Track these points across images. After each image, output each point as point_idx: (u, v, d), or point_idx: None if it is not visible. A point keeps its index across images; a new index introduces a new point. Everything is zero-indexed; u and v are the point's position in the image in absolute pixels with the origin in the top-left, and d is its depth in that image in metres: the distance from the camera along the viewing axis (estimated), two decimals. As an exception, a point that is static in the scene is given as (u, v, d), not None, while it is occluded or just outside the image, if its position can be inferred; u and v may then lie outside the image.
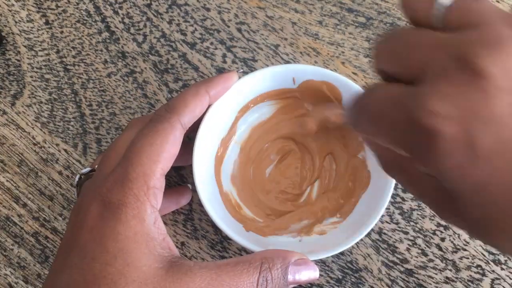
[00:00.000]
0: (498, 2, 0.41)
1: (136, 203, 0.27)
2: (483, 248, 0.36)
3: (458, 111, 0.18)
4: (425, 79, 0.19)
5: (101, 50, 0.42)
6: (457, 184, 0.19)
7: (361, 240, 0.32)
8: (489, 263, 0.36)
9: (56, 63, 0.42)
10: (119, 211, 0.27)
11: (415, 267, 0.36)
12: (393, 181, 0.33)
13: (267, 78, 0.36)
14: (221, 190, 0.36)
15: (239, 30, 0.42)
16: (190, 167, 0.38)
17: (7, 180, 0.40)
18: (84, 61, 0.42)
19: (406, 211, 0.37)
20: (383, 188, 0.33)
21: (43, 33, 0.43)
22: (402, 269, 0.36)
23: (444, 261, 0.36)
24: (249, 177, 0.38)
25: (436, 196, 0.21)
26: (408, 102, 0.19)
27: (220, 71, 0.41)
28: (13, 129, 0.41)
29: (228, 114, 0.36)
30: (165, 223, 0.29)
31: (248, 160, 0.38)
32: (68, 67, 0.42)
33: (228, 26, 0.42)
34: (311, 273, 0.28)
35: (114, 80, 0.41)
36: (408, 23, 0.22)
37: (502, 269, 0.35)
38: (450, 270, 0.36)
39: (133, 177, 0.27)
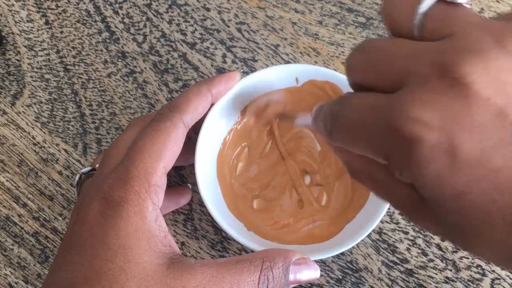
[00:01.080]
0: (498, 1, 0.41)
1: (137, 200, 0.27)
2: (483, 248, 0.36)
3: (440, 118, 0.17)
4: (406, 87, 0.19)
5: (101, 50, 0.42)
6: (435, 192, 0.18)
7: (361, 240, 0.32)
8: (489, 263, 0.36)
9: (56, 63, 0.42)
10: (121, 208, 0.27)
11: (415, 267, 0.36)
12: None
13: (270, 77, 0.36)
14: (223, 189, 0.36)
15: (239, 30, 0.42)
16: (190, 167, 0.38)
17: (7, 180, 0.40)
18: (84, 61, 0.42)
19: (406, 211, 0.37)
20: None
21: (43, 33, 0.43)
22: (402, 269, 0.36)
23: (444, 261, 0.36)
24: (251, 177, 0.38)
25: (410, 202, 0.21)
26: (388, 109, 0.19)
27: (220, 71, 0.41)
28: (13, 129, 0.41)
29: (231, 113, 0.36)
30: (165, 223, 0.29)
31: (252, 160, 0.38)
32: (68, 67, 0.42)
33: (228, 26, 0.42)
34: (312, 273, 0.28)
35: (114, 80, 0.41)
36: (390, 34, 0.22)
37: (502, 269, 0.35)
38: (450, 270, 0.36)
39: (134, 175, 0.27)
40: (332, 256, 0.36)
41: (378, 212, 0.32)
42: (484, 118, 0.17)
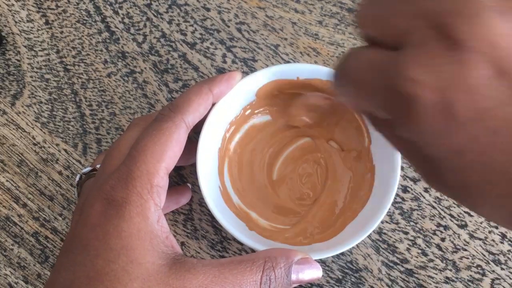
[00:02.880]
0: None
1: (139, 200, 0.27)
2: (483, 248, 0.36)
3: (436, 79, 0.18)
4: (406, 46, 0.19)
5: (101, 50, 0.42)
6: (436, 150, 0.19)
7: (361, 240, 0.32)
8: (489, 263, 0.36)
9: (56, 63, 0.42)
10: (123, 208, 0.27)
11: (415, 267, 0.36)
12: (396, 184, 0.32)
13: (271, 77, 0.36)
14: (225, 189, 0.36)
15: (239, 30, 0.42)
16: (190, 167, 0.38)
17: (7, 180, 0.40)
18: (84, 61, 0.42)
19: (406, 211, 0.37)
20: (386, 190, 0.33)
21: (43, 33, 0.43)
22: (402, 269, 0.36)
23: (444, 261, 0.36)
24: (252, 176, 0.38)
25: (421, 162, 0.22)
26: (389, 68, 0.19)
27: (220, 71, 0.41)
28: (13, 129, 0.41)
29: (233, 113, 0.36)
30: (165, 223, 0.29)
31: (252, 160, 0.38)
32: (68, 67, 0.42)
33: (228, 26, 0.42)
34: (314, 272, 0.28)
35: (114, 80, 0.41)
36: None
37: (502, 269, 0.36)
38: (450, 270, 0.36)
39: (137, 175, 0.27)
40: (332, 256, 0.37)
41: (378, 212, 0.32)
42: (480, 80, 0.18)
